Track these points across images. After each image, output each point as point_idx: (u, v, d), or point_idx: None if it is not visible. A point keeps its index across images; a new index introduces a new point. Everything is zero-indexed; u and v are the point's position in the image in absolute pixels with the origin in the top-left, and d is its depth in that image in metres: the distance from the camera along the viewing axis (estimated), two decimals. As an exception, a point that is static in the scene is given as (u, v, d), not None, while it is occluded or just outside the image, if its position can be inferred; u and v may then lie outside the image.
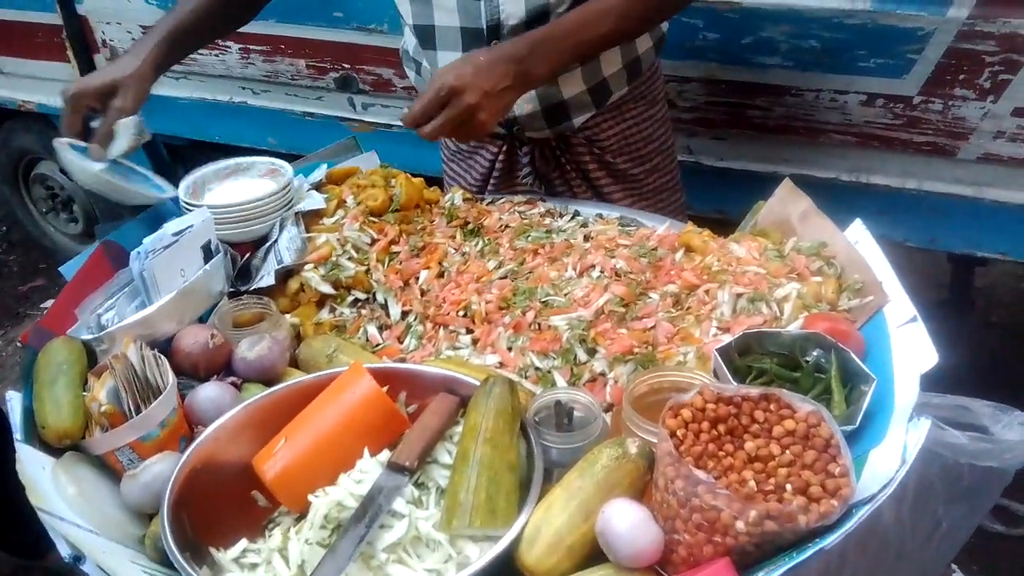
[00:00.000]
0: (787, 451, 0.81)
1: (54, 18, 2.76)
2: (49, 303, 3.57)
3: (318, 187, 1.40)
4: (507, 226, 1.31)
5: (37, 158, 3.44)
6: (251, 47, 2.50)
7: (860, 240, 1.15)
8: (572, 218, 1.33)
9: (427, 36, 1.38)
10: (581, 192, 1.50)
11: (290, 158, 2.64)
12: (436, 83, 1.18)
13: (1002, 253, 1.87)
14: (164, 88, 2.78)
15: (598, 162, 1.48)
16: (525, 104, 1.39)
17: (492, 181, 1.55)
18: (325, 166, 1.44)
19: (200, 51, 2.54)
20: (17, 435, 0.96)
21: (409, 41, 1.49)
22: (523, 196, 1.41)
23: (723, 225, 1.37)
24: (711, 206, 2.02)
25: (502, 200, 1.40)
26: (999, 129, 1.69)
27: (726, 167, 2.02)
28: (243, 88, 2.65)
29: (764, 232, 1.21)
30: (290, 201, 1.34)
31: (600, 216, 1.33)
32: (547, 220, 1.33)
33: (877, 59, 1.71)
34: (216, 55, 2.58)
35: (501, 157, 1.53)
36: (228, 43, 2.53)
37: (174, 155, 3.13)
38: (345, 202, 1.34)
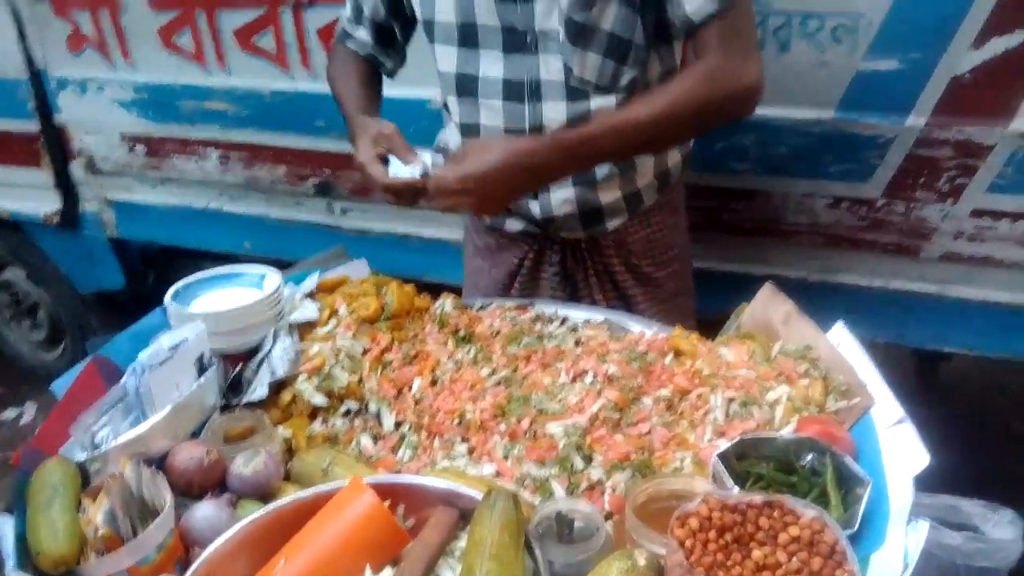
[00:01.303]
0: (794, 558, 0.82)
1: (31, 126, 2.79)
2: (9, 412, 3.50)
3: (310, 296, 1.41)
4: (499, 332, 1.34)
5: (2, 264, 3.40)
6: (230, 154, 2.55)
7: (843, 342, 1.19)
8: (562, 323, 1.36)
9: (472, 134, 1.47)
10: (606, 292, 1.54)
11: (267, 263, 2.69)
12: (465, 175, 1.26)
13: (968, 348, 1.93)
14: (139, 195, 2.82)
15: (625, 264, 1.53)
16: (563, 205, 1.45)
17: (519, 279, 1.58)
18: (317, 274, 1.46)
19: (178, 157, 2.62)
20: (9, 563, 0.93)
21: (451, 137, 1.55)
22: (513, 302, 1.44)
23: (701, 324, 1.41)
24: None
25: (492, 306, 1.43)
26: (959, 230, 1.77)
27: (701, 268, 2.07)
28: (220, 194, 2.69)
29: (750, 335, 1.24)
30: (280, 310, 1.35)
31: (588, 321, 1.36)
32: (537, 326, 1.35)
33: (842, 165, 1.80)
34: (195, 161, 2.61)
35: (531, 255, 1.57)
36: (207, 149, 2.57)
37: (147, 261, 3.13)
38: (338, 311, 1.36)
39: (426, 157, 1.38)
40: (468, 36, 1.39)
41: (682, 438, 1.09)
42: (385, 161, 1.39)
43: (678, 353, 1.23)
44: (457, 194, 1.28)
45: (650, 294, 1.55)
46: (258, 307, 1.31)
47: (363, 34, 1.60)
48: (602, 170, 1.42)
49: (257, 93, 2.38)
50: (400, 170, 1.36)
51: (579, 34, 1.31)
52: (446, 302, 1.43)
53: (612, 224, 1.49)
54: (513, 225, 1.55)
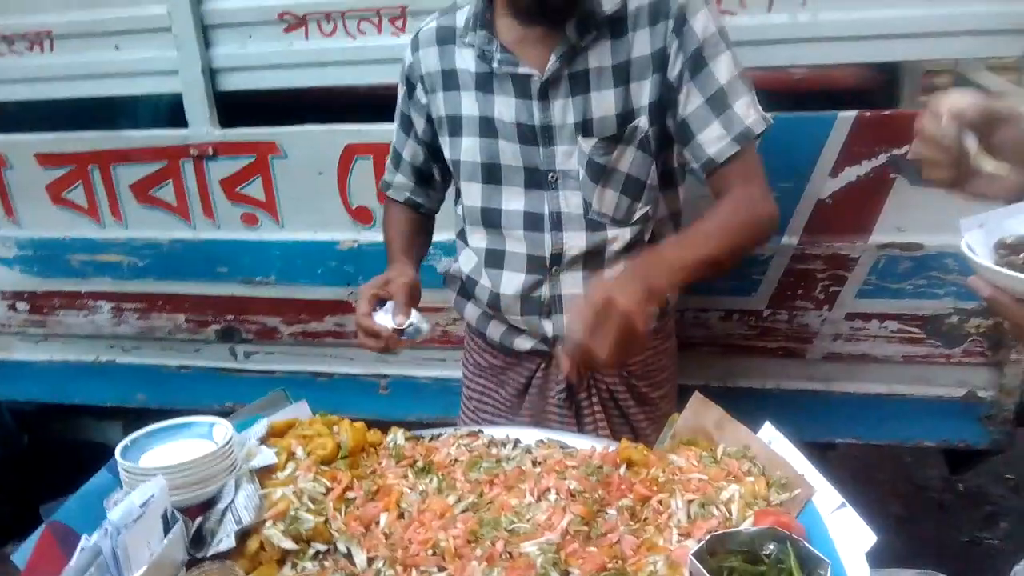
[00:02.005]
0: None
1: None
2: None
3: (262, 441, 1.41)
4: (456, 460, 1.39)
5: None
6: (124, 305, 2.50)
7: (773, 440, 1.32)
8: (515, 446, 1.42)
9: (496, 259, 1.55)
10: (609, 411, 1.61)
11: (163, 414, 2.62)
12: (591, 302, 1.22)
13: (855, 438, 2.13)
14: (19, 353, 2.70)
15: (625, 385, 1.62)
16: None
17: (528, 397, 1.63)
18: (266, 420, 1.47)
19: (66, 312, 2.55)
20: None
21: (466, 263, 1.61)
22: (464, 429, 1.49)
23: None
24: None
25: (444, 436, 1.48)
26: (836, 332, 2.00)
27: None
28: (111, 346, 2.61)
29: (693, 441, 1.35)
30: (235, 459, 1.34)
31: (542, 441, 1.44)
32: (493, 450, 1.41)
33: (730, 281, 2.00)
34: (84, 315, 2.55)
35: (539, 374, 1.62)
36: (99, 303, 2.52)
37: (21, 422, 2.96)
38: (295, 454, 1.37)
39: (414, 317, 1.46)
40: (492, 174, 1.51)
41: (651, 543, 1.16)
42: (382, 303, 1.47)
43: (630, 464, 1.32)
44: (599, 320, 1.20)
45: (648, 414, 1.64)
46: (214, 457, 1.30)
47: (402, 179, 1.69)
48: None
49: (155, 243, 2.38)
50: (381, 318, 1.45)
51: (599, 174, 1.45)
52: (397, 435, 1.47)
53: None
54: (523, 343, 1.61)
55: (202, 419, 1.43)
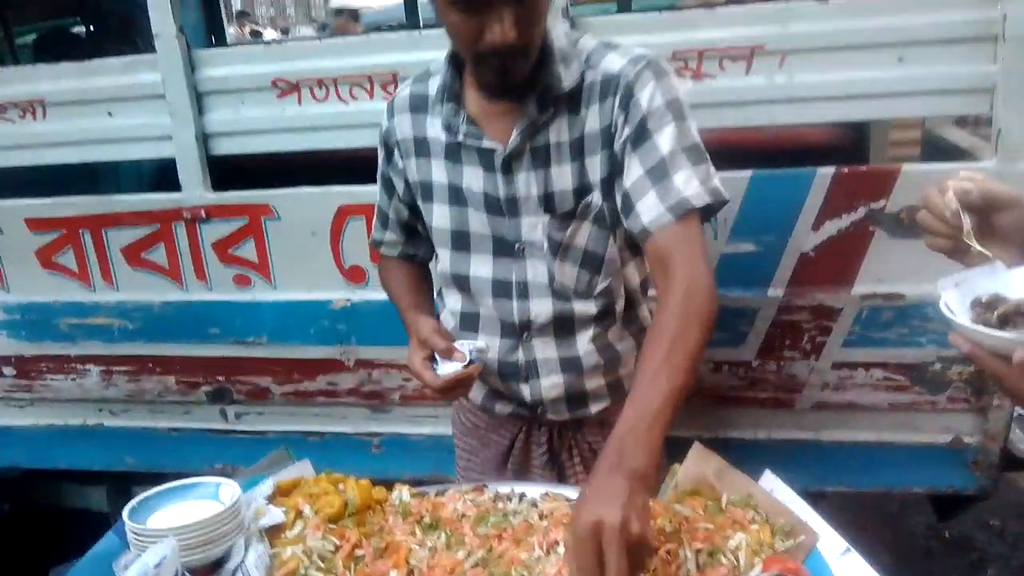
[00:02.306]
0: None
1: None
2: None
3: (268, 500, 1.42)
4: (463, 515, 1.40)
5: None
6: (113, 368, 2.50)
7: (775, 488, 1.35)
8: (520, 500, 1.44)
9: (471, 321, 1.59)
10: (590, 470, 1.61)
11: (151, 478, 2.60)
12: (579, 537, 1.06)
13: (845, 485, 2.17)
14: (3, 419, 2.67)
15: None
16: (552, 389, 1.55)
17: (512, 459, 1.65)
18: (271, 479, 1.47)
19: (54, 376, 2.54)
20: None
21: (446, 322, 1.64)
22: (468, 485, 1.51)
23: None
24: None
25: (450, 491, 1.49)
26: (824, 381, 2.04)
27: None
28: (100, 409, 2.60)
29: (696, 491, 1.38)
30: (243, 519, 1.35)
31: (547, 494, 1.45)
32: (499, 504, 1.43)
33: (719, 333, 2.02)
34: (72, 379, 2.54)
35: (521, 436, 1.65)
36: (88, 366, 2.51)
37: (2, 489, 2.92)
38: (302, 512, 1.37)
39: (466, 346, 1.49)
40: (461, 241, 1.54)
41: (662, 592, 1.18)
42: (433, 359, 1.51)
43: (637, 515, 1.34)
44: (594, 553, 1.05)
45: None
46: (223, 517, 1.31)
47: (392, 236, 1.72)
48: (589, 360, 1.54)
49: (146, 306, 2.39)
50: (445, 368, 1.48)
51: (557, 248, 1.48)
52: (402, 492, 1.48)
53: (595, 408, 1.60)
54: (503, 408, 1.64)
55: (208, 480, 1.43)
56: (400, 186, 1.62)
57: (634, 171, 1.38)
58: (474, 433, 1.74)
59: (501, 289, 1.54)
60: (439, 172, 1.53)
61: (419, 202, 1.59)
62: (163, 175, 2.44)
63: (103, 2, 3.60)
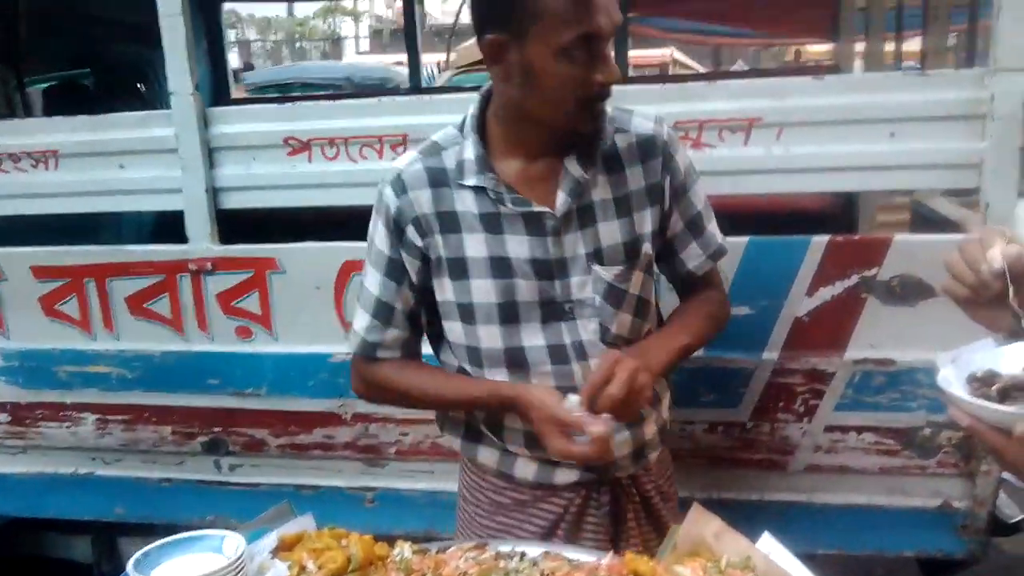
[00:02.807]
0: None
1: None
2: None
3: (272, 554, 1.43)
4: (465, 573, 1.41)
5: None
6: (109, 417, 2.50)
7: (773, 551, 1.38)
8: (521, 559, 1.45)
9: None
10: (644, 523, 1.63)
11: (140, 529, 2.59)
12: (604, 360, 1.39)
13: (837, 548, 2.18)
14: (-9, 466, 2.66)
15: (657, 490, 1.65)
16: (623, 446, 1.56)
17: (563, 526, 1.59)
18: (275, 533, 1.48)
19: (48, 424, 2.54)
20: None
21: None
22: (471, 542, 1.52)
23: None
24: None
25: (451, 548, 1.50)
26: (816, 444, 2.08)
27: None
28: (93, 458, 2.59)
29: (696, 552, 1.40)
30: (246, 573, 1.36)
31: (548, 553, 1.47)
32: (501, 563, 1.44)
33: (714, 395, 2.08)
34: (67, 427, 2.54)
35: (577, 501, 1.59)
36: (83, 414, 2.51)
37: (-13, 537, 2.89)
38: (306, 567, 1.38)
39: (575, 402, 1.41)
40: (510, 313, 1.50)
41: (664, 653, 1.20)
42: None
43: (637, 575, 1.36)
44: (608, 375, 1.36)
45: (673, 512, 1.67)
46: (228, 570, 1.32)
47: (395, 333, 1.58)
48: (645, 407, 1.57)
49: (146, 355, 2.41)
50: (595, 430, 1.39)
51: (619, 299, 1.52)
52: (404, 548, 1.49)
53: (651, 456, 1.63)
54: (565, 476, 1.59)
55: (212, 532, 1.44)
56: (414, 267, 1.54)
57: (676, 224, 1.59)
58: (511, 510, 1.64)
59: (558, 355, 1.52)
60: (476, 246, 1.49)
61: (442, 279, 1.52)
62: (165, 225, 2.48)
63: (111, 55, 3.68)
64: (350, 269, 2.20)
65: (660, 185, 1.53)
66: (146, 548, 1.40)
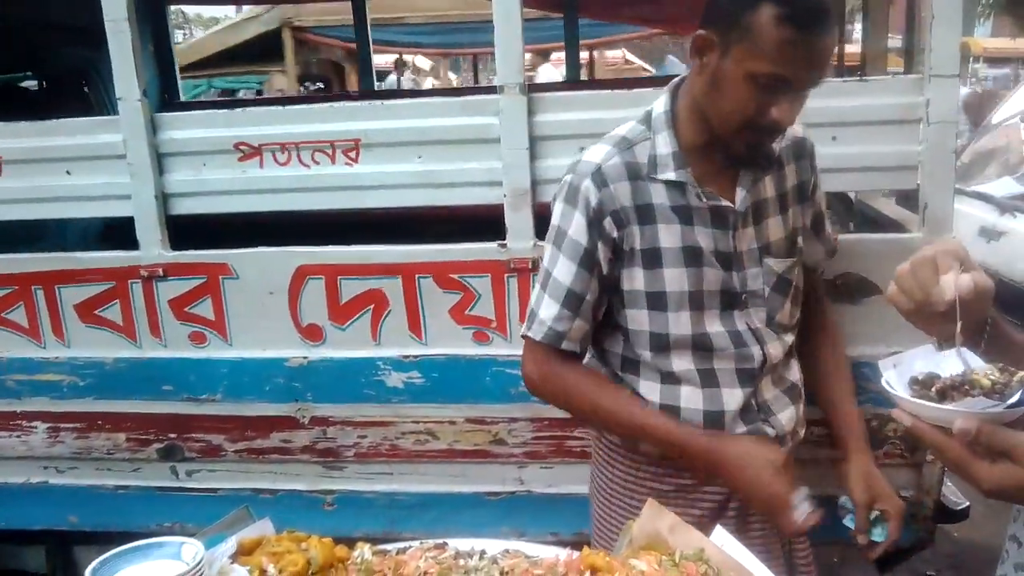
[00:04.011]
0: None
1: None
2: None
3: (232, 559, 1.43)
4: (426, 573, 1.43)
5: None
6: (61, 425, 2.47)
7: (726, 543, 1.42)
8: (481, 557, 1.48)
9: (710, 378, 1.62)
10: None
11: (95, 537, 2.55)
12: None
13: (788, 539, 2.24)
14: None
15: None
16: (790, 421, 1.69)
17: (732, 508, 1.67)
18: (234, 538, 1.49)
19: (-1, 433, 2.49)
20: None
21: (649, 392, 1.65)
22: (431, 542, 1.54)
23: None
24: (545, 529, 2.24)
25: (411, 549, 1.52)
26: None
27: (555, 493, 2.28)
28: (45, 467, 2.55)
29: (651, 546, 1.43)
30: (205, 579, 1.36)
31: (507, 551, 1.50)
32: (460, 561, 1.46)
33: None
34: (17, 436, 2.49)
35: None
36: (34, 423, 2.47)
37: (-66, 550, 2.83)
38: (266, 571, 1.39)
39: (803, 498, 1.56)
40: (698, 301, 1.58)
41: (620, 646, 1.23)
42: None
43: (595, 570, 1.39)
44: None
45: None
46: (187, 577, 1.32)
47: (581, 324, 1.61)
48: (799, 384, 1.74)
49: (98, 363, 2.38)
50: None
51: (786, 288, 1.64)
52: (364, 550, 1.50)
53: (803, 432, 1.74)
54: None
55: (170, 539, 1.44)
56: (606, 258, 1.58)
57: (808, 218, 1.72)
58: (676, 497, 1.66)
59: (739, 339, 1.61)
60: (670, 236, 1.56)
61: (633, 269, 1.58)
62: (112, 231, 2.45)
63: (57, 58, 3.61)
64: (304, 274, 2.21)
65: (808, 183, 1.68)
66: (104, 556, 1.39)
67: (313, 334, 2.26)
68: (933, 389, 1.02)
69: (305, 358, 2.27)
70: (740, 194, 1.57)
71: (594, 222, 1.56)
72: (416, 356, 2.23)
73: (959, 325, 1.04)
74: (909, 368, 1.08)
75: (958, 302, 1.03)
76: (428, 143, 2.12)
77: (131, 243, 2.27)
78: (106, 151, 2.24)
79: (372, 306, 2.21)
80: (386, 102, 2.17)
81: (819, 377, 1.78)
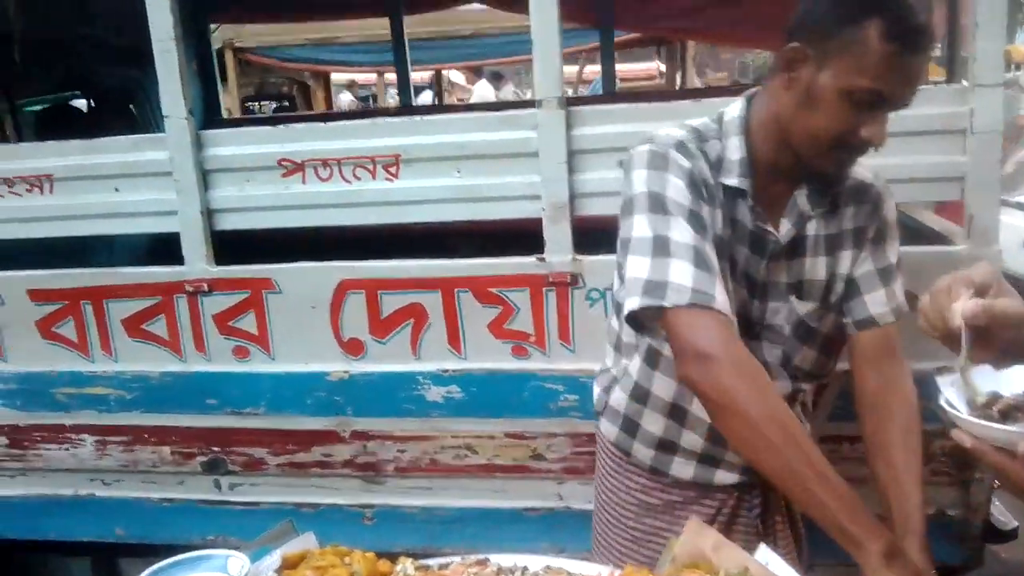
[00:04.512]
0: None
1: None
2: None
3: (276, 573, 1.44)
4: (468, 589, 1.43)
5: None
6: (108, 438, 2.51)
7: (770, 562, 1.40)
8: (523, 573, 1.47)
9: None
10: (788, 525, 1.67)
11: (140, 549, 2.59)
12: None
13: (836, 560, 2.19)
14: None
15: None
16: None
17: (716, 527, 1.59)
18: (278, 552, 1.50)
19: (47, 446, 2.55)
20: None
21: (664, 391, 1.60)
22: (472, 557, 1.54)
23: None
24: (584, 546, 2.22)
25: (453, 564, 1.52)
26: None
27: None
28: (92, 480, 2.60)
29: (695, 565, 1.42)
30: (250, 592, 1.37)
31: (549, 567, 1.49)
32: (502, 578, 1.46)
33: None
34: (66, 449, 2.54)
35: (730, 503, 1.63)
36: (82, 436, 2.52)
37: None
38: (310, 586, 1.40)
39: None
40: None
41: (664, 664, 1.22)
42: None
43: (638, 588, 1.38)
44: None
45: (803, 519, 1.69)
46: (232, 591, 1.34)
47: (723, 291, 1.38)
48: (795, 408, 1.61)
49: (144, 377, 2.42)
50: None
51: (807, 334, 1.57)
52: (406, 565, 1.51)
53: None
54: (725, 476, 1.62)
55: (217, 552, 1.46)
56: (711, 222, 1.46)
57: (866, 265, 1.57)
58: (661, 512, 1.66)
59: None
60: (719, 240, 1.47)
61: None
62: (158, 247, 2.50)
63: (103, 78, 3.70)
64: (346, 288, 2.23)
65: (865, 229, 1.56)
66: (152, 568, 1.41)
67: (354, 348, 2.28)
68: (995, 409, 1.00)
69: (346, 372, 2.29)
70: (785, 225, 1.51)
71: (691, 184, 1.42)
72: (455, 370, 2.24)
73: (964, 350, 1.01)
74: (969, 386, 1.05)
75: (964, 328, 1.00)
76: (467, 158, 2.13)
77: (175, 259, 2.32)
78: (153, 168, 2.28)
79: (412, 320, 2.23)
80: (425, 117, 2.18)
81: (884, 466, 1.53)
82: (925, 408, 1.95)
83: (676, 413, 1.62)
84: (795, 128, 1.43)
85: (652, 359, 1.61)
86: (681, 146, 1.47)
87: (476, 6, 4.72)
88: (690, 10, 4.38)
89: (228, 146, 2.25)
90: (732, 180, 1.48)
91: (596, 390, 1.76)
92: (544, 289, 2.13)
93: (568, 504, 2.30)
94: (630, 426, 1.67)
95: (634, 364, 1.64)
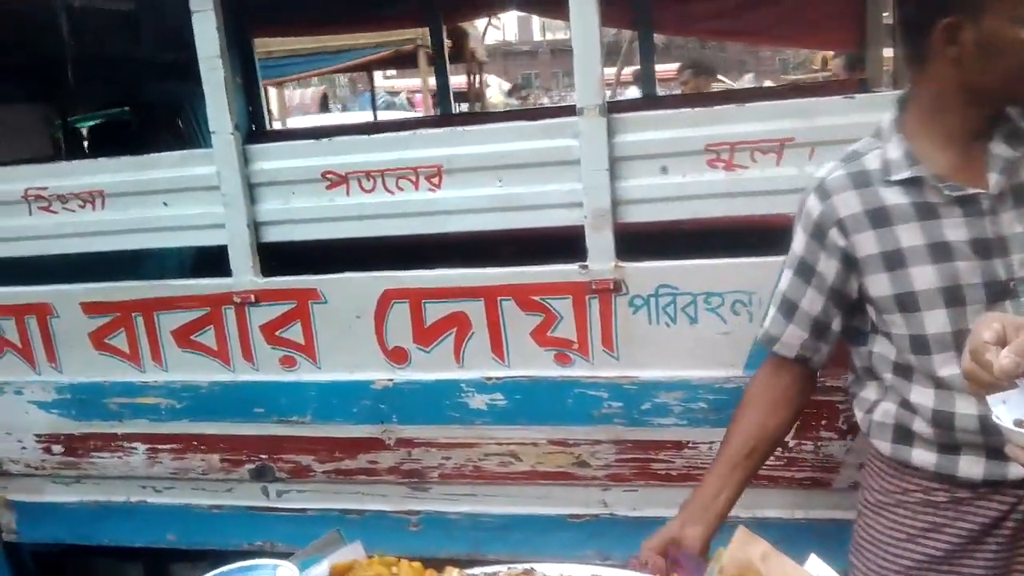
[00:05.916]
0: None
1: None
2: None
3: (325, 583, 1.46)
4: (515, 598, 1.44)
5: None
6: (159, 446, 2.56)
7: (820, 572, 1.38)
8: (570, 584, 1.48)
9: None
10: None
11: (191, 555, 2.64)
12: None
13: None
14: (50, 495, 2.74)
15: None
16: None
17: (1009, 525, 1.57)
18: (327, 561, 1.52)
19: (101, 454, 2.61)
20: None
21: (923, 398, 1.58)
22: (518, 567, 1.54)
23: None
24: (629, 554, 2.21)
25: (498, 573, 1.53)
26: (860, 461, 2.07)
27: (638, 516, 2.26)
28: (144, 487, 2.65)
29: (744, 574, 1.41)
30: (300, 602, 1.39)
31: (595, 577, 1.49)
32: (549, 587, 1.47)
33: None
34: (119, 457, 2.60)
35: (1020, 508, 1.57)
36: (134, 444, 2.58)
37: (42, 564, 2.96)
38: (359, 595, 1.42)
39: None
40: (955, 297, 1.52)
41: (714, 676, 1.21)
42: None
43: (687, 599, 1.38)
44: None
45: None
46: (283, 600, 1.36)
47: (795, 330, 1.67)
48: None
49: (194, 386, 2.47)
50: None
51: None
52: (453, 574, 1.52)
53: None
54: (970, 467, 1.57)
55: (266, 561, 1.48)
56: (831, 270, 1.60)
57: None
58: (946, 508, 1.61)
59: None
60: (912, 235, 1.52)
61: (876, 275, 1.56)
62: (203, 260, 2.55)
63: (150, 94, 3.79)
64: (390, 298, 2.25)
65: None
66: (204, 579, 1.44)
67: (399, 357, 2.30)
68: None
69: (391, 380, 2.31)
70: (993, 178, 1.50)
71: (813, 234, 1.61)
72: (499, 378, 2.25)
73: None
74: (1019, 405, 1.04)
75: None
76: (508, 167, 2.14)
77: (223, 271, 2.36)
78: (200, 183, 2.33)
79: (455, 329, 2.24)
80: (467, 128, 2.20)
81: None
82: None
83: (944, 418, 1.58)
84: (987, 83, 1.47)
85: (905, 372, 1.61)
86: (819, 188, 1.60)
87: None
88: (730, 11, 4.35)
89: (273, 160, 2.29)
90: (904, 174, 1.53)
91: (859, 413, 1.75)
92: (587, 296, 2.13)
93: (613, 511, 2.30)
94: (904, 436, 1.64)
95: (890, 378, 1.64)
